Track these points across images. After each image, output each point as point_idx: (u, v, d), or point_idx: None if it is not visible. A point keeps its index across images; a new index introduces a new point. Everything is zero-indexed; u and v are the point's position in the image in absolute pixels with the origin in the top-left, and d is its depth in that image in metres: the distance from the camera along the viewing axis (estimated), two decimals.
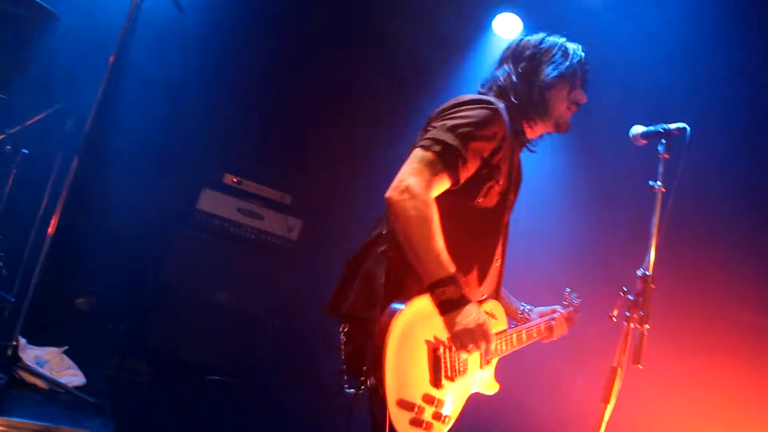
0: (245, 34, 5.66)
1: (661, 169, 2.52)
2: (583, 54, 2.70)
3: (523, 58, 2.66)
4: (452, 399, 2.34)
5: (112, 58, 3.71)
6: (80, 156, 3.66)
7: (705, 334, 2.90)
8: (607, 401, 2.35)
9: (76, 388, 3.72)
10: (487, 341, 2.30)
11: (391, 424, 2.13)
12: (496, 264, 2.65)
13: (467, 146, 2.33)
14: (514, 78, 2.63)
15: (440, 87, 6.20)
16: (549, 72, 2.62)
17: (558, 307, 3.04)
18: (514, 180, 2.68)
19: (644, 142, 2.73)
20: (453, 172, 2.32)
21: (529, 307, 3.02)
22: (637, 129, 2.72)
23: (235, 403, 5.05)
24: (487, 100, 2.47)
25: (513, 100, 2.60)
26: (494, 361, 2.64)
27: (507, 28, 5.97)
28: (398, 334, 2.17)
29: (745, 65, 3.37)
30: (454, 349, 2.32)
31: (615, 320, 2.44)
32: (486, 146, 2.41)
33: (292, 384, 5.61)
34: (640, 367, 2.32)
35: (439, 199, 2.31)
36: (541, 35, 2.73)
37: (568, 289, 3.12)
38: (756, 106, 3.37)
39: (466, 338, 2.27)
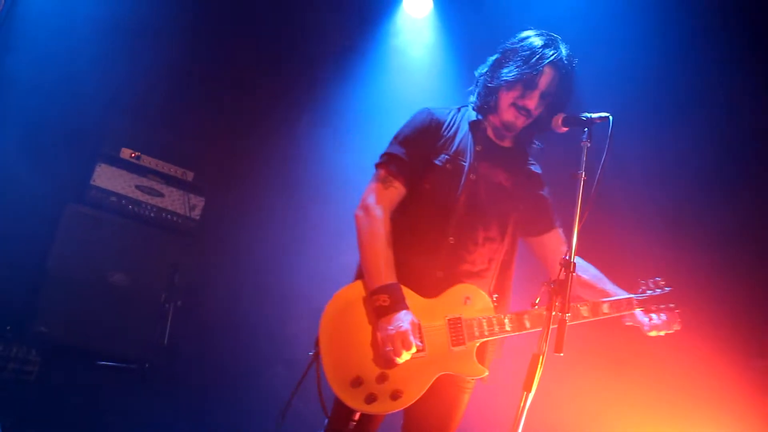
0: (146, 6, 5.32)
1: (583, 157, 2.52)
2: (547, 57, 2.71)
3: (499, 52, 2.86)
4: (406, 375, 2.52)
5: None
6: None
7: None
8: (528, 389, 2.34)
9: None
10: (406, 347, 2.47)
11: (330, 391, 2.50)
12: (449, 241, 2.70)
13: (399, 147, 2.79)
14: (484, 70, 2.88)
15: (348, 65, 6.09)
16: (504, 73, 2.75)
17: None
18: (474, 163, 2.78)
19: (565, 129, 2.74)
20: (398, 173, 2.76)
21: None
22: (560, 116, 2.72)
23: (134, 391, 4.80)
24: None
25: (474, 93, 2.89)
26: (473, 344, 2.62)
27: (417, 6, 5.89)
28: (335, 312, 2.59)
29: (667, 54, 3.46)
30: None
31: (537, 307, 2.43)
32: (414, 141, 2.78)
33: (194, 368, 5.40)
34: (561, 354, 2.32)
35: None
36: (529, 32, 2.82)
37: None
38: (676, 94, 3.47)
39: (386, 342, 2.49)
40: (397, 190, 2.77)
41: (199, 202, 5.54)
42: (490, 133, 2.89)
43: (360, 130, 5.96)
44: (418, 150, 2.77)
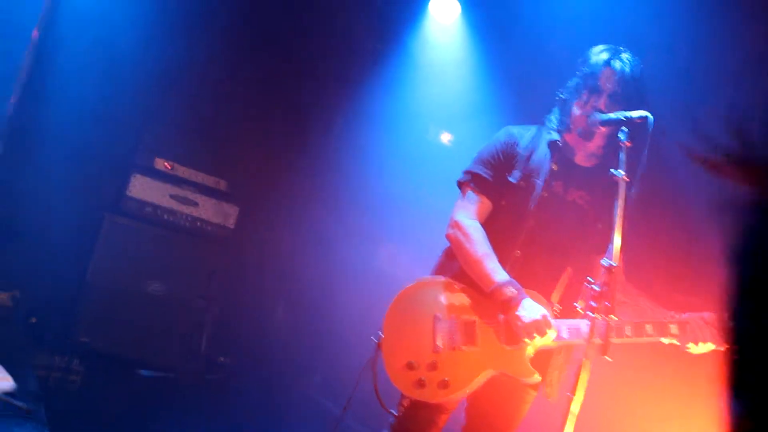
0: (176, 15, 5.38)
1: (623, 157, 2.49)
2: (604, 60, 2.77)
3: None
4: (455, 367, 2.63)
5: (35, 33, 3.44)
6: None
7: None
8: (574, 393, 2.32)
9: (5, 393, 3.47)
10: (549, 326, 2.57)
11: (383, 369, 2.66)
12: (516, 254, 2.77)
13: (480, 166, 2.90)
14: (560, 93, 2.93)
15: (375, 72, 6.08)
16: (570, 85, 2.86)
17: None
18: (549, 181, 2.82)
19: (604, 129, 2.72)
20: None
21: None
22: (598, 116, 2.70)
23: (174, 399, 4.86)
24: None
25: (551, 113, 2.94)
26: (529, 348, 2.63)
27: (444, 12, 5.86)
28: (399, 303, 2.77)
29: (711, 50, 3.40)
30: (453, 321, 2.69)
31: (581, 312, 2.41)
32: (493, 160, 2.88)
33: (231, 376, 5.44)
34: (608, 359, 2.30)
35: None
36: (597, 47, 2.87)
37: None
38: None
39: (530, 328, 2.55)
40: (485, 205, 2.87)
41: (233, 210, 5.58)
42: (567, 152, 2.89)
43: (394, 134, 5.96)
44: (497, 168, 2.87)
